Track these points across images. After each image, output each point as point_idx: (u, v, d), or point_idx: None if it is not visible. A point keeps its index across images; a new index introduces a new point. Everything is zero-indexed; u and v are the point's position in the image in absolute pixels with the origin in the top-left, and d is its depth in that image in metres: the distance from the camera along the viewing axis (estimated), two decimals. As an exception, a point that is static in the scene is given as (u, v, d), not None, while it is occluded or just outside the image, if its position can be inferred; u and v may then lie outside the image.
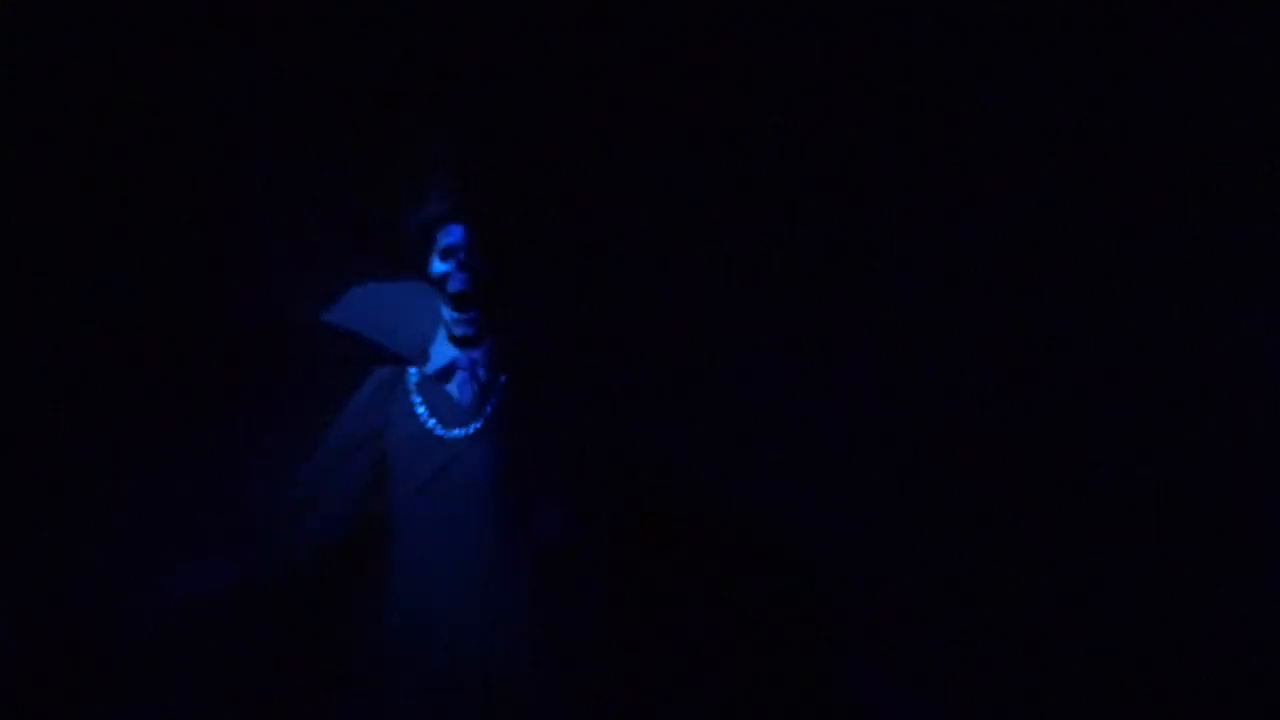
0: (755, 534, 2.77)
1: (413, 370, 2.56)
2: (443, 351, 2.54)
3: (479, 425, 2.50)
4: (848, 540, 3.00)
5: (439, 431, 2.49)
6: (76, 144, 3.24)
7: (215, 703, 2.66)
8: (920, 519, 3.24)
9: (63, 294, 3.06)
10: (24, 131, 3.26)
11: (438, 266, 2.49)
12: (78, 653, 2.72)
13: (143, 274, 3.05)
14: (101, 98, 3.27)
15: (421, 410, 2.51)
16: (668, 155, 3.16)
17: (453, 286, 2.46)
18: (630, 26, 3.29)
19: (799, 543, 2.84)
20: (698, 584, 2.65)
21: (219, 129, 3.22)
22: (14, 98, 3.28)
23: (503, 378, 2.54)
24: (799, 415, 3.08)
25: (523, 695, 2.44)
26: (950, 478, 3.30)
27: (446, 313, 2.49)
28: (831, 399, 3.17)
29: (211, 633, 2.48)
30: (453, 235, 2.48)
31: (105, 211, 3.15)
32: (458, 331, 2.49)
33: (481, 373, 2.51)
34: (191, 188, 3.16)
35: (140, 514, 2.80)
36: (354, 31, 3.28)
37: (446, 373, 2.53)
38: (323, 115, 3.20)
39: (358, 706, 2.52)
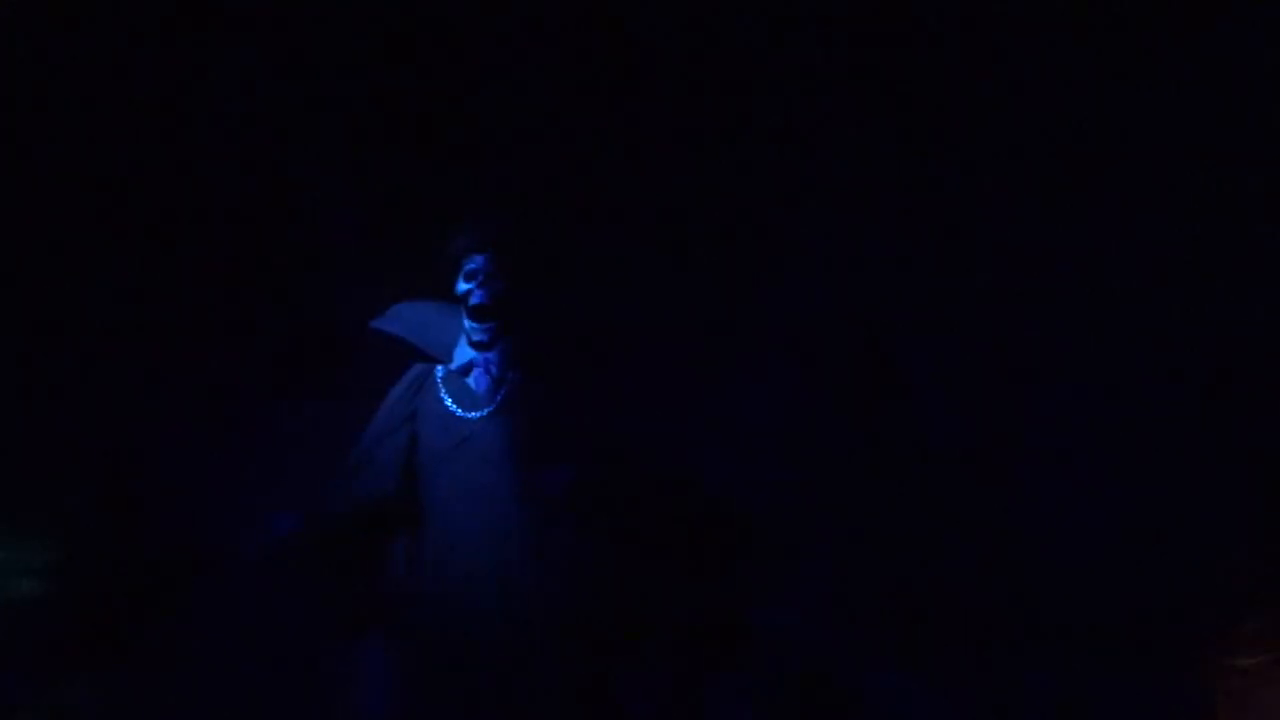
0: (705, 497, 3.36)
1: (439, 367, 3.24)
2: (463, 352, 3.22)
3: (491, 409, 3.18)
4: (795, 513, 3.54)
5: (459, 413, 3.18)
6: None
7: (283, 622, 3.44)
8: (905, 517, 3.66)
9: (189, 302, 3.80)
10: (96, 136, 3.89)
11: (461, 286, 3.17)
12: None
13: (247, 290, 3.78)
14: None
15: (446, 397, 3.20)
16: (653, 190, 3.70)
17: (473, 301, 3.14)
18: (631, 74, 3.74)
19: (739, 504, 3.43)
20: (665, 533, 3.25)
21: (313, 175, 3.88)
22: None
23: (510, 374, 3.20)
24: (757, 407, 3.62)
25: (524, 610, 3.08)
26: (949, 485, 3.70)
27: (467, 323, 3.18)
28: (805, 394, 3.67)
29: (284, 566, 3.19)
30: (474, 262, 3.16)
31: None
32: (476, 338, 3.17)
33: (494, 369, 3.19)
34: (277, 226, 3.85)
35: (237, 474, 3.63)
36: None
37: (466, 369, 3.22)
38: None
39: (396, 624, 3.20)
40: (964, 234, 3.83)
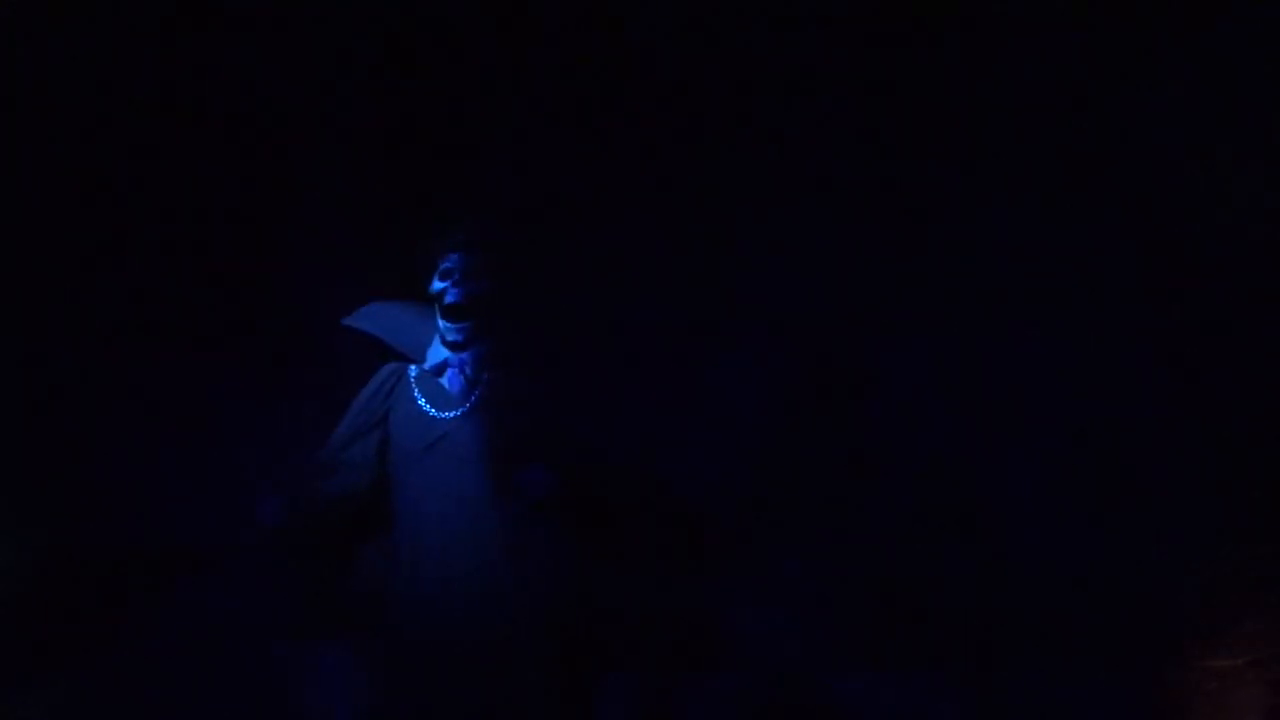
0: (681, 497, 3.37)
1: (412, 367, 3.25)
2: (437, 352, 3.22)
3: (466, 408, 3.17)
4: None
5: (433, 413, 3.18)
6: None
7: (255, 624, 3.48)
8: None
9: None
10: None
11: (436, 285, 3.16)
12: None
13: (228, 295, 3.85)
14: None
15: (420, 397, 3.20)
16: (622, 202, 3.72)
17: (447, 301, 3.13)
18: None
19: (715, 505, 3.44)
20: (641, 534, 3.26)
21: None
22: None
23: (484, 374, 3.19)
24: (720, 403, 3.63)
25: (500, 612, 3.09)
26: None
27: (441, 323, 3.16)
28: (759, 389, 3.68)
29: (270, 555, 3.21)
30: (449, 261, 3.15)
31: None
32: (450, 338, 3.16)
33: (468, 370, 3.19)
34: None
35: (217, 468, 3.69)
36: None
37: (440, 369, 3.22)
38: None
39: (369, 626, 3.20)
40: (947, 232, 3.80)
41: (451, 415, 3.16)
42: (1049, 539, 3.58)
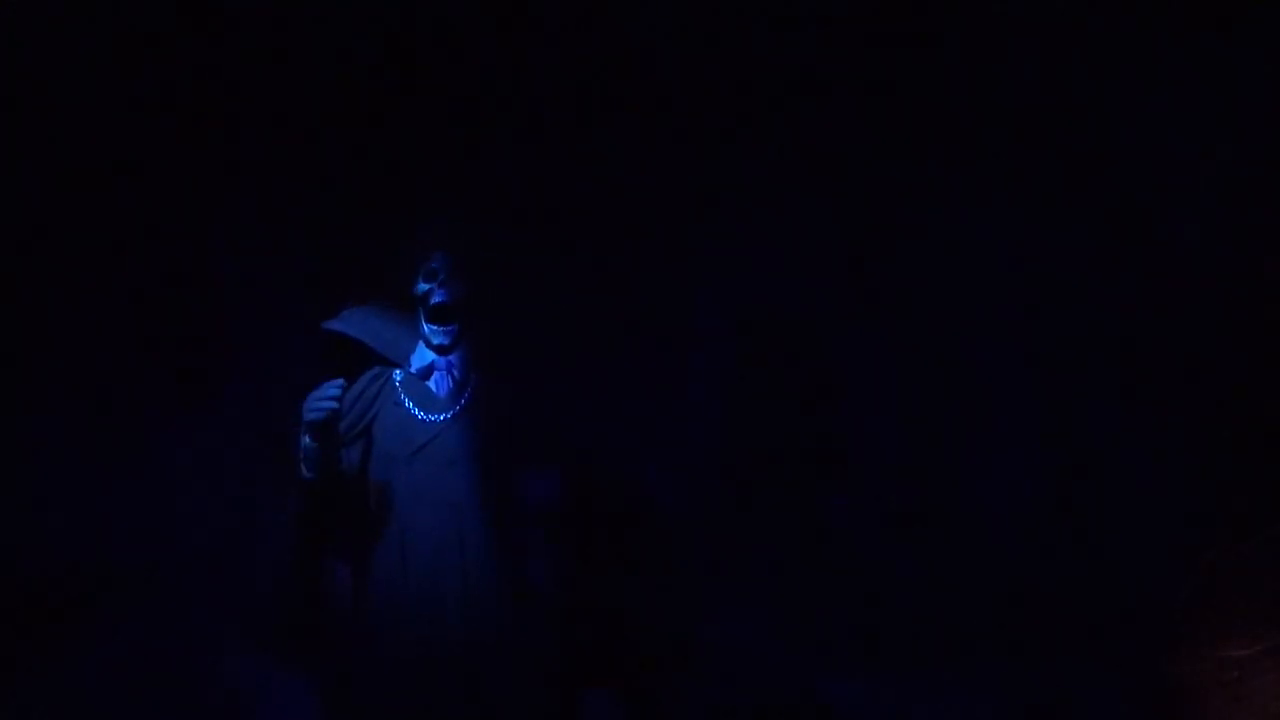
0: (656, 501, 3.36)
1: (396, 370, 3.20)
2: (422, 355, 3.18)
3: (455, 411, 3.13)
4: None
5: (421, 416, 3.13)
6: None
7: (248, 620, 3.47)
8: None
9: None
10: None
11: (420, 287, 3.13)
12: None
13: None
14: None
15: (405, 400, 3.16)
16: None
17: (434, 302, 3.10)
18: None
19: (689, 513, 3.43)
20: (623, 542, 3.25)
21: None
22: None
23: (473, 376, 3.17)
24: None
25: (488, 620, 3.03)
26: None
27: (427, 326, 3.13)
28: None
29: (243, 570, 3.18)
30: (434, 262, 3.12)
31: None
32: (435, 341, 3.13)
33: (456, 373, 3.15)
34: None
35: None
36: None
37: (426, 372, 3.17)
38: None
39: (344, 642, 3.15)
40: (938, 234, 3.79)
41: (440, 418, 3.12)
42: (1051, 537, 3.56)
